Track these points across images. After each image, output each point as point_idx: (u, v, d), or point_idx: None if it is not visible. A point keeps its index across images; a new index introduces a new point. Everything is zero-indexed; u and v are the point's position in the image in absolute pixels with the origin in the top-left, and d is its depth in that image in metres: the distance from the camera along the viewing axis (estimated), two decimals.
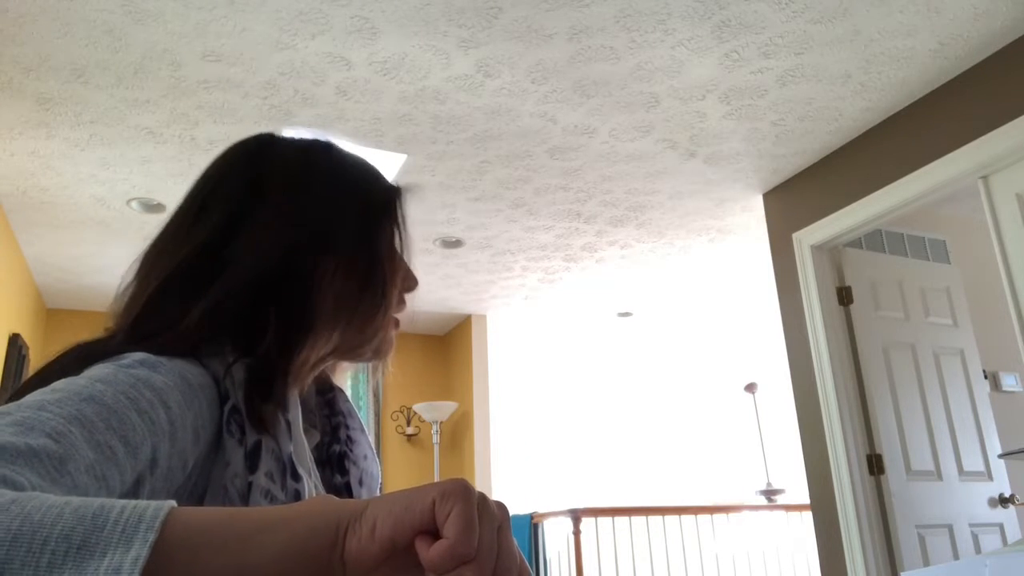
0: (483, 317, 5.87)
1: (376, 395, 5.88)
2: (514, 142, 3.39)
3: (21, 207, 3.75)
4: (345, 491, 0.80)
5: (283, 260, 0.71)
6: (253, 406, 0.64)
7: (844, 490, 3.32)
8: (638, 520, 5.56)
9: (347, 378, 5.78)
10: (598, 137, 3.38)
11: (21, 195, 3.63)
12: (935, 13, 2.66)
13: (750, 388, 7.74)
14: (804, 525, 5.89)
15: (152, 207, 3.77)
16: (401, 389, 6.09)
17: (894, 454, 3.38)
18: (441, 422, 5.78)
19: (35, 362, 4.48)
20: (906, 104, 3.21)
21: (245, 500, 0.61)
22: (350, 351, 0.78)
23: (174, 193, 3.65)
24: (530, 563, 5.04)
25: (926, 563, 3.25)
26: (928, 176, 3.10)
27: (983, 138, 2.90)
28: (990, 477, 3.58)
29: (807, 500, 3.59)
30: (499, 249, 4.61)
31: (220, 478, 0.61)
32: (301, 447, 0.70)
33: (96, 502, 0.41)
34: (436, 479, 5.86)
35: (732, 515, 5.94)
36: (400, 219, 0.83)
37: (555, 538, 5.32)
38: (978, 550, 3.39)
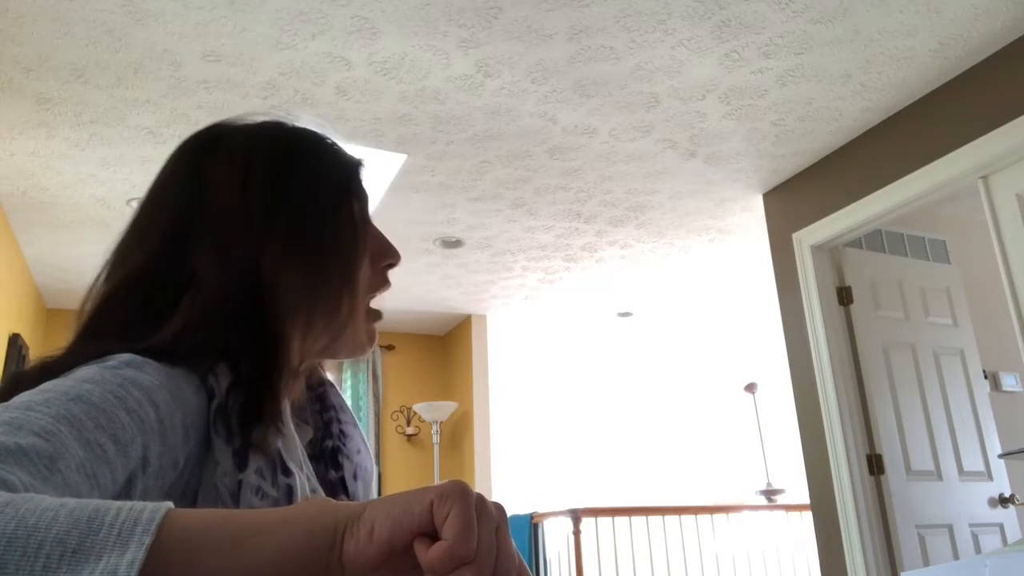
0: (483, 317, 5.87)
1: (376, 395, 5.88)
2: (514, 142, 3.39)
3: (21, 207, 3.75)
4: (340, 486, 0.79)
5: (236, 272, 0.68)
6: (248, 436, 0.63)
7: (844, 490, 3.32)
8: (638, 520, 5.56)
9: (345, 370, 5.78)
10: (598, 137, 3.38)
11: (21, 195, 3.63)
12: (935, 13, 2.65)
13: (750, 388, 7.74)
14: (804, 525, 5.89)
15: None
16: (401, 389, 6.09)
17: (894, 454, 3.38)
18: (441, 422, 5.78)
19: None
20: (906, 104, 3.21)
21: (236, 498, 0.61)
22: (325, 351, 0.76)
23: None
24: (530, 563, 5.04)
25: (926, 563, 3.25)
26: (928, 176, 3.10)
27: (983, 138, 2.90)
28: (990, 477, 3.58)
29: (807, 500, 3.59)
30: (499, 249, 4.61)
31: (211, 477, 0.61)
32: (291, 442, 0.69)
33: (92, 504, 0.40)
34: (436, 479, 5.88)
35: (732, 515, 5.94)
36: (362, 194, 0.79)
37: (555, 538, 5.32)
38: (978, 550, 3.39)
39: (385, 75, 2.87)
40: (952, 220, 4.24)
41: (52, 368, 0.59)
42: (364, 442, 0.85)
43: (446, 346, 6.31)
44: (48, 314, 5.22)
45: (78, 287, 4.86)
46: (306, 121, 0.83)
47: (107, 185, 3.55)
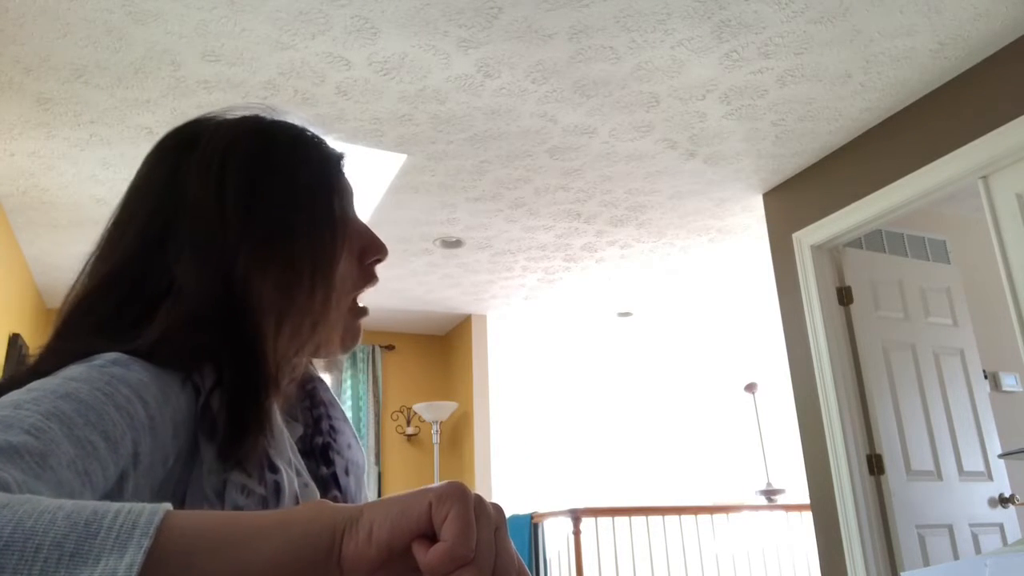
0: (483, 317, 5.87)
1: (376, 395, 5.88)
2: (514, 142, 3.39)
3: (21, 207, 3.75)
4: (332, 481, 0.79)
5: (214, 276, 0.67)
6: (233, 449, 0.62)
7: (844, 490, 3.32)
8: (638, 520, 5.56)
9: (345, 370, 5.78)
10: (598, 137, 3.38)
11: (21, 195, 3.63)
12: (935, 13, 2.65)
13: (750, 388, 7.74)
14: (804, 525, 5.89)
15: None
16: (401, 389, 6.09)
17: (894, 454, 3.38)
18: (441, 422, 5.78)
19: None
20: (906, 104, 3.21)
21: (221, 497, 0.60)
22: (305, 351, 0.74)
23: None
24: (530, 563, 5.04)
25: (926, 563, 3.25)
26: (928, 176, 3.10)
27: (983, 138, 2.90)
28: (990, 477, 3.58)
29: (807, 500, 3.59)
30: (499, 249, 4.61)
31: (198, 476, 0.60)
32: (279, 439, 0.68)
33: (89, 507, 0.40)
34: (436, 479, 5.87)
35: (732, 515, 5.94)
36: (343, 189, 0.77)
37: (555, 538, 5.32)
38: (978, 550, 3.39)
39: (385, 75, 2.87)
40: (952, 220, 4.24)
41: (39, 369, 0.59)
42: (355, 437, 0.84)
43: (446, 346, 6.31)
44: (48, 314, 5.22)
45: None
46: (288, 114, 0.80)
47: (107, 185, 3.55)
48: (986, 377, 3.87)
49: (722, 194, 3.97)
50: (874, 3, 2.58)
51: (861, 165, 3.42)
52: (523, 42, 2.71)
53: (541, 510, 5.33)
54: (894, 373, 3.53)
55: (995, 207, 2.93)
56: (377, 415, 5.83)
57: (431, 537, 0.43)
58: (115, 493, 0.53)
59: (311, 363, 0.81)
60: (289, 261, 0.70)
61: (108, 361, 0.59)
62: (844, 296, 3.59)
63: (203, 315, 0.65)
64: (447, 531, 0.42)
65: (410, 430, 5.96)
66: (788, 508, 6.08)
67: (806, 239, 3.65)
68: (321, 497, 0.75)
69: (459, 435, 5.93)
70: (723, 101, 3.13)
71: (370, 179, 3.70)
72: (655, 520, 5.59)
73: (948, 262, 4.07)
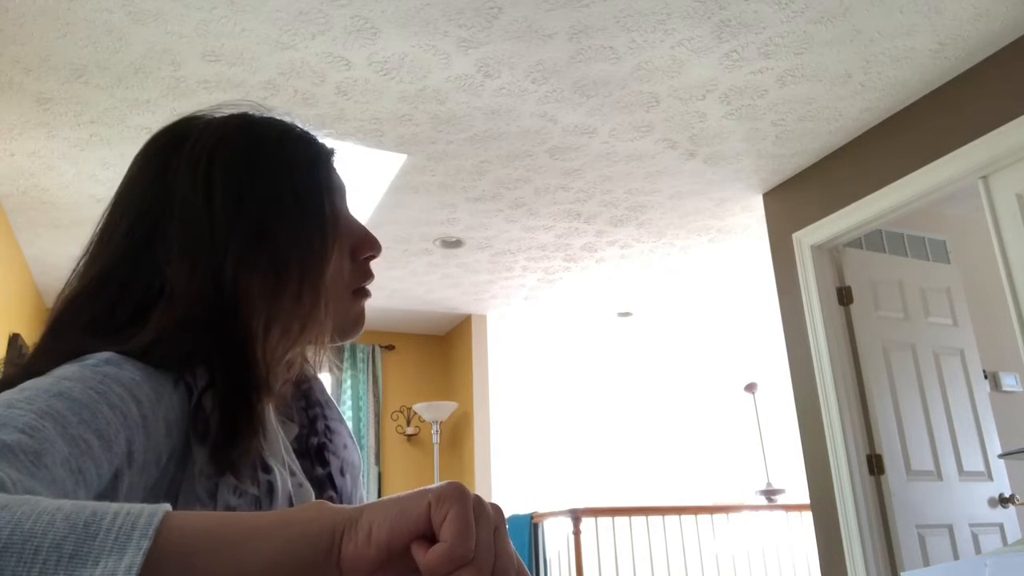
0: (483, 317, 5.87)
1: (376, 395, 5.88)
2: (514, 142, 3.39)
3: (21, 207, 3.75)
4: (327, 481, 0.79)
5: (203, 277, 0.66)
6: (225, 454, 0.61)
7: (844, 490, 3.32)
8: (638, 520, 5.56)
9: (345, 370, 5.78)
10: (598, 137, 3.38)
11: (21, 195, 3.63)
12: (935, 13, 2.65)
13: (750, 388, 7.74)
14: (804, 525, 5.89)
15: None
16: (401, 389, 6.09)
17: (894, 454, 3.38)
18: (441, 422, 5.78)
19: None
20: (906, 104, 3.21)
21: (213, 497, 0.60)
22: (297, 350, 0.73)
23: None
24: (530, 563, 5.04)
25: (926, 563, 3.25)
26: (928, 176, 3.10)
27: (983, 138, 2.90)
28: (990, 477, 3.58)
29: (807, 500, 3.59)
30: (499, 249, 4.61)
31: (191, 476, 0.60)
32: (273, 439, 0.68)
33: (88, 508, 0.40)
34: (436, 479, 5.87)
35: (732, 515, 5.94)
36: (333, 185, 0.77)
37: (555, 538, 5.32)
38: (978, 550, 3.39)
39: (385, 75, 2.87)
40: (952, 220, 4.24)
41: (31, 369, 0.59)
42: (351, 437, 0.84)
43: (446, 346, 6.31)
44: (48, 314, 5.21)
45: None
46: (275, 111, 0.79)
47: (107, 185, 3.55)
48: (986, 377, 3.87)
49: (722, 194, 3.97)
50: (874, 3, 2.58)
51: (861, 165, 3.42)
52: (523, 42, 2.71)
53: (541, 510, 5.34)
54: (894, 373, 3.53)
55: (995, 207, 2.93)
56: (377, 415, 5.83)
57: (430, 537, 0.43)
58: (109, 491, 0.53)
59: (307, 363, 0.80)
60: (276, 263, 0.69)
61: (101, 360, 0.59)
62: (844, 296, 3.59)
63: (196, 316, 0.65)
64: (446, 531, 0.42)
65: (410, 430, 5.96)
66: (788, 508, 6.08)
67: (806, 239, 3.65)
68: (317, 498, 0.75)
69: (459, 435, 5.93)
70: (723, 101, 3.13)
71: (370, 179, 3.71)
72: (655, 520, 5.59)
73: (948, 262, 4.07)
